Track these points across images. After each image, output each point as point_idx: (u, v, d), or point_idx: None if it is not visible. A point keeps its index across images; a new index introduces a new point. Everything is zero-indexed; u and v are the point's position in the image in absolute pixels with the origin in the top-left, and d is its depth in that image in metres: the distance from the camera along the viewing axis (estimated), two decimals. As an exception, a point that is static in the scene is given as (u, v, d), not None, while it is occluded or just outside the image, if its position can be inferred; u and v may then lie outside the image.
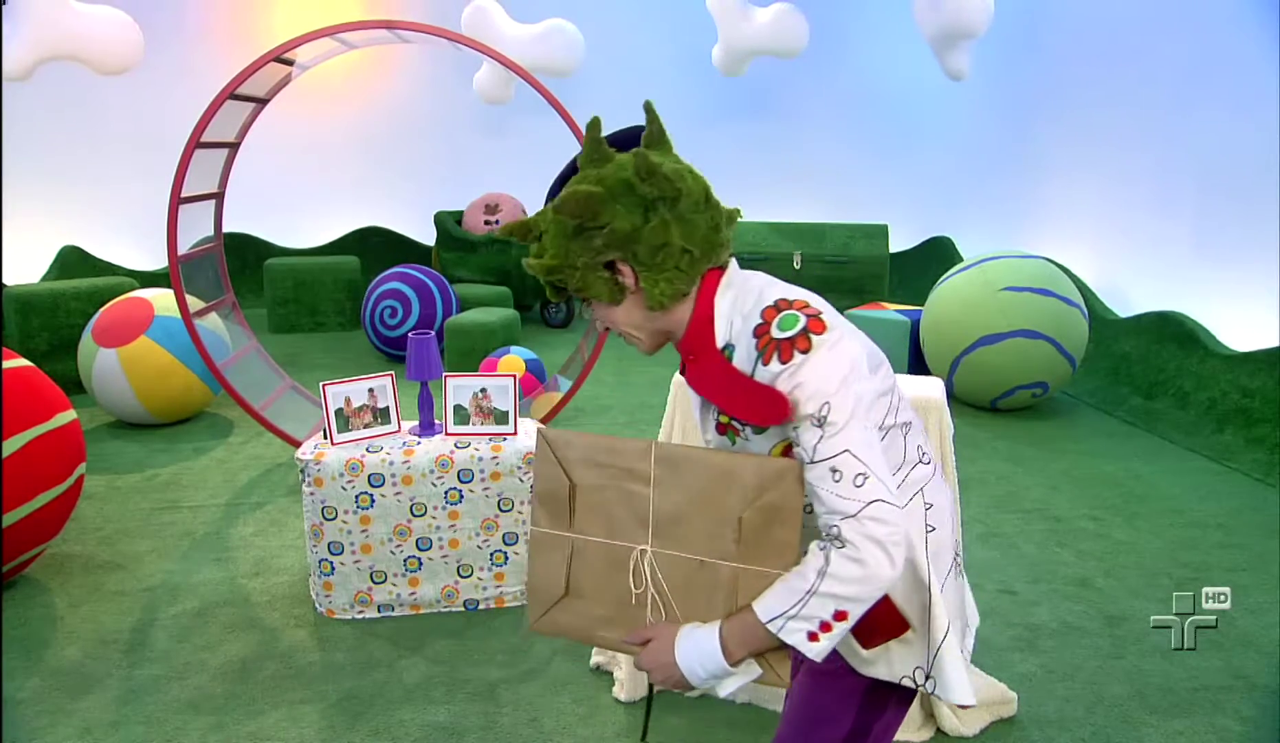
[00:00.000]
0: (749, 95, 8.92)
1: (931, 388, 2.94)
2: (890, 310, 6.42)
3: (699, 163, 1.49)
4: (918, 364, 6.10)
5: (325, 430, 3.32)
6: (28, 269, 7.57)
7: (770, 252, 6.96)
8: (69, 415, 3.55)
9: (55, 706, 2.82)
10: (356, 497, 3.22)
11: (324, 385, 3.32)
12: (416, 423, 3.47)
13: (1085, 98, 6.78)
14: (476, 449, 3.27)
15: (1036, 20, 7.15)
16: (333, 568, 3.27)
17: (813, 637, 1.29)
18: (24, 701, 2.84)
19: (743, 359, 1.37)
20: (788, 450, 1.38)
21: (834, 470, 1.28)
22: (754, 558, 1.37)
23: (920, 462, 1.49)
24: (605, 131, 1.45)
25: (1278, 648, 3.10)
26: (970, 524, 3.97)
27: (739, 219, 1.50)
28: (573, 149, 2.03)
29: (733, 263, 1.48)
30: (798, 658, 1.38)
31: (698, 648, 1.35)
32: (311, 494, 3.23)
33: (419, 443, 3.30)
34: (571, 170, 1.48)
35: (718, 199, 1.45)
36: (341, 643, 3.16)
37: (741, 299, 1.42)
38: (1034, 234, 7.24)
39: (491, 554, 3.34)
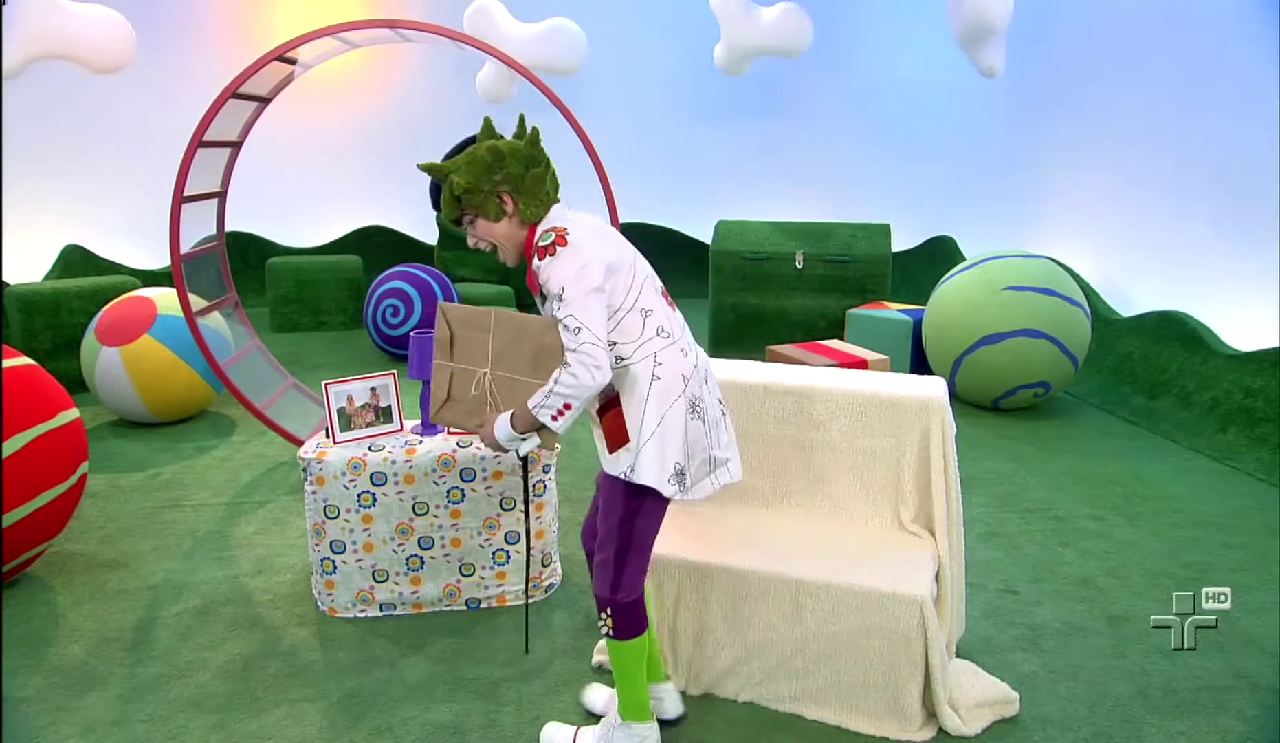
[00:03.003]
0: (751, 94, 8.90)
1: (933, 387, 2.94)
2: (892, 310, 6.41)
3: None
4: (920, 363, 6.08)
5: (327, 429, 3.32)
6: (30, 268, 7.58)
7: (772, 251, 6.93)
8: (71, 414, 3.55)
9: (57, 704, 2.82)
10: (359, 496, 3.23)
11: (326, 384, 3.33)
12: (419, 422, 3.47)
13: (1089, 98, 6.77)
14: (478, 448, 3.27)
15: (1039, 20, 7.14)
16: (335, 567, 3.28)
17: (554, 418, 2.24)
18: (26, 699, 2.85)
19: (534, 259, 2.31)
20: None
21: (565, 326, 2.20)
22: (537, 376, 2.33)
23: (656, 336, 2.31)
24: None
25: (1280, 648, 3.10)
26: (972, 524, 3.97)
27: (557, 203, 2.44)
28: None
29: (557, 205, 2.37)
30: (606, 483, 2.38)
31: (502, 425, 2.34)
32: (313, 493, 3.23)
33: (421, 442, 3.31)
34: (465, 144, 2.40)
35: (555, 172, 2.41)
36: (343, 642, 3.17)
37: (549, 225, 2.32)
38: (1036, 234, 7.23)
39: (493, 553, 3.34)
